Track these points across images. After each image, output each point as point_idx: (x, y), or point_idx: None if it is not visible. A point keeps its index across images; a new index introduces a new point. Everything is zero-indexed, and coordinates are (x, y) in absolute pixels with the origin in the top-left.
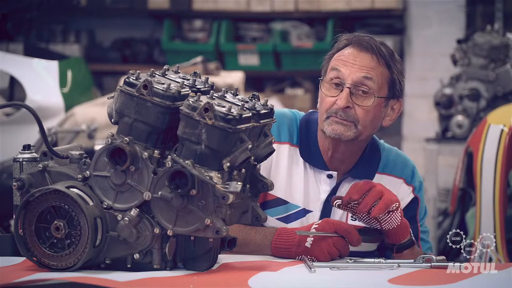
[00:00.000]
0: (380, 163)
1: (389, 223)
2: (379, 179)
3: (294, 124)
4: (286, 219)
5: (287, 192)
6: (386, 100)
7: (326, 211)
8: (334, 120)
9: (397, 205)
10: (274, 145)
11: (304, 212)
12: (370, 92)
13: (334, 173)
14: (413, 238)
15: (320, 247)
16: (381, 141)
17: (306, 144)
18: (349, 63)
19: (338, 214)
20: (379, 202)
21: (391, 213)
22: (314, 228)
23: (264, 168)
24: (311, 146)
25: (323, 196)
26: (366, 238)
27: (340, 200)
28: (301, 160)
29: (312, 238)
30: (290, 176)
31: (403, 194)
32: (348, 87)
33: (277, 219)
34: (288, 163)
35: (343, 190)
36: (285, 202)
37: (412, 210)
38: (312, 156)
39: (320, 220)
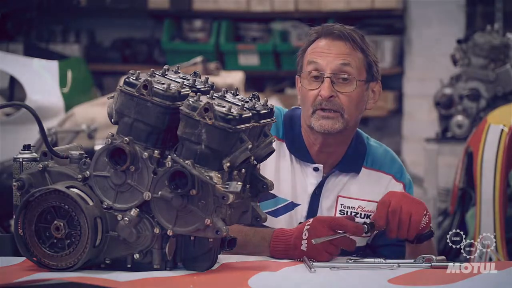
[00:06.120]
0: (367, 158)
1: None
2: (368, 174)
3: (280, 119)
4: (275, 213)
5: (275, 186)
6: (366, 83)
7: (313, 204)
8: (320, 114)
9: (427, 218)
10: None
11: (293, 205)
12: (351, 78)
13: (320, 166)
14: (432, 229)
15: (317, 248)
16: (365, 135)
17: (291, 139)
18: (324, 53)
19: (325, 207)
20: (410, 226)
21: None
22: (306, 229)
23: None
24: (295, 141)
25: (310, 189)
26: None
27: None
28: (287, 153)
29: (306, 241)
30: (278, 170)
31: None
32: (328, 77)
33: (266, 213)
34: (276, 157)
35: (330, 184)
36: (273, 196)
37: None
38: (298, 150)
39: (311, 220)
